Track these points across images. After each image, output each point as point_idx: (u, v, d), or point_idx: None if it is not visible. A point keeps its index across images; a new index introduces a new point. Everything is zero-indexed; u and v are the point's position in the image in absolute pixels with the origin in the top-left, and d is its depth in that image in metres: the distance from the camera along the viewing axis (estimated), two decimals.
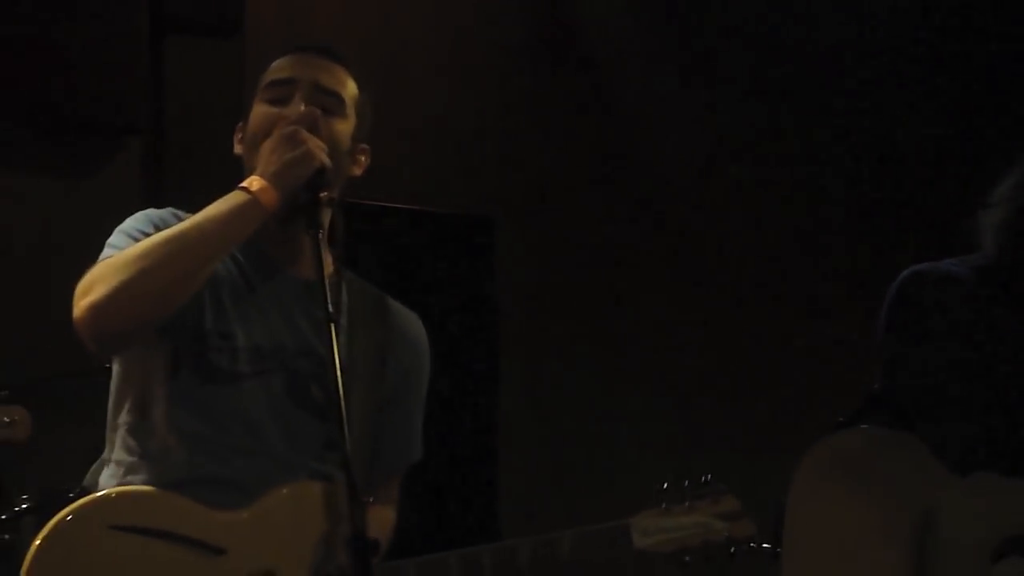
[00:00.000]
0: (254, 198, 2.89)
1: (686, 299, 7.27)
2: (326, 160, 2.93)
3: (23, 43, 6.00)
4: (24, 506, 4.81)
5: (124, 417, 3.01)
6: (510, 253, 7.01)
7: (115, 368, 3.04)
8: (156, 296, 2.84)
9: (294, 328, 3.03)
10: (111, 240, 2.99)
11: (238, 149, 3.16)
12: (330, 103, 3.09)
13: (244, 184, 2.92)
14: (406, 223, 6.82)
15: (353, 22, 6.91)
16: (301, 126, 2.97)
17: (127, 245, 2.93)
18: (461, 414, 6.80)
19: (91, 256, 3.02)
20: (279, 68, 3.14)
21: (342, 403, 2.68)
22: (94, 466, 3.14)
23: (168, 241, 2.85)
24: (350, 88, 3.15)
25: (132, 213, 3.08)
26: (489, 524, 6.65)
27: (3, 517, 4.79)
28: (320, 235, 2.86)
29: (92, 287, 2.84)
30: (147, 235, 2.94)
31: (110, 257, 2.91)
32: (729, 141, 7.42)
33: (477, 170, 7.06)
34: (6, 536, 4.78)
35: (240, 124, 3.17)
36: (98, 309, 2.82)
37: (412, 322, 3.26)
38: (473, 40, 7.21)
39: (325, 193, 2.91)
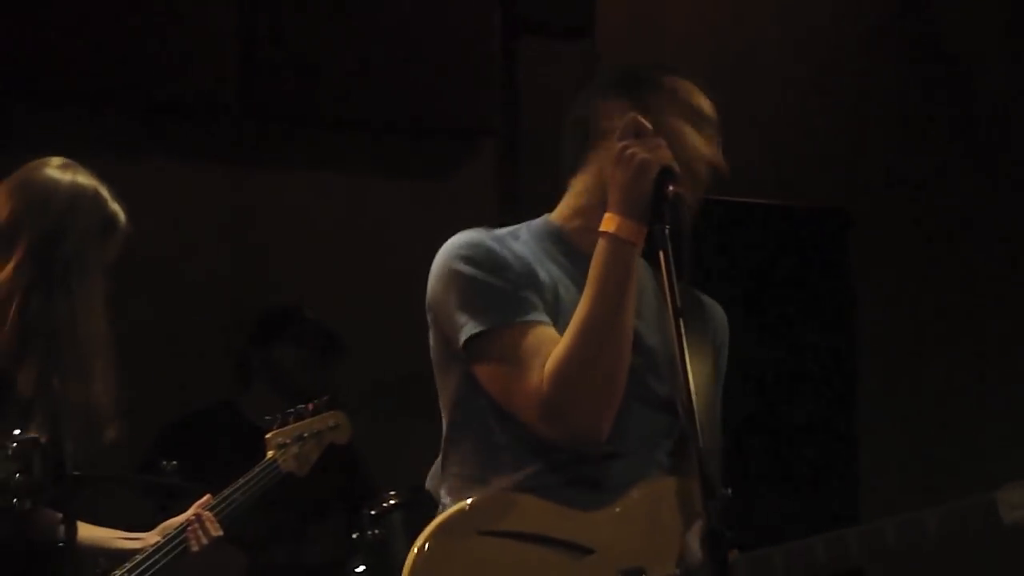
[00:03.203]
0: (617, 237, 2.87)
1: None
2: (663, 157, 2.88)
3: (381, 49, 6.17)
4: (392, 503, 4.91)
5: (467, 431, 3.02)
6: (867, 246, 6.90)
7: (450, 386, 3.04)
8: (621, 384, 2.88)
9: None
10: (473, 299, 2.94)
11: None
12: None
13: (602, 228, 2.90)
14: (761, 218, 6.78)
15: (704, 18, 6.90)
16: (627, 138, 2.93)
17: (503, 303, 2.92)
18: (820, 403, 6.75)
19: None
20: None
21: (692, 396, 2.66)
22: (433, 470, 3.17)
23: (591, 332, 2.84)
24: None
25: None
26: (850, 509, 6.58)
27: (373, 513, 4.90)
28: (667, 231, 2.82)
29: (567, 410, 2.84)
30: (504, 279, 2.94)
31: (536, 351, 2.88)
32: None
33: (832, 163, 6.97)
34: (376, 531, 4.89)
35: None
36: (594, 426, 2.87)
37: (718, 309, 3.22)
38: (825, 32, 7.12)
39: (672, 188, 2.86)
